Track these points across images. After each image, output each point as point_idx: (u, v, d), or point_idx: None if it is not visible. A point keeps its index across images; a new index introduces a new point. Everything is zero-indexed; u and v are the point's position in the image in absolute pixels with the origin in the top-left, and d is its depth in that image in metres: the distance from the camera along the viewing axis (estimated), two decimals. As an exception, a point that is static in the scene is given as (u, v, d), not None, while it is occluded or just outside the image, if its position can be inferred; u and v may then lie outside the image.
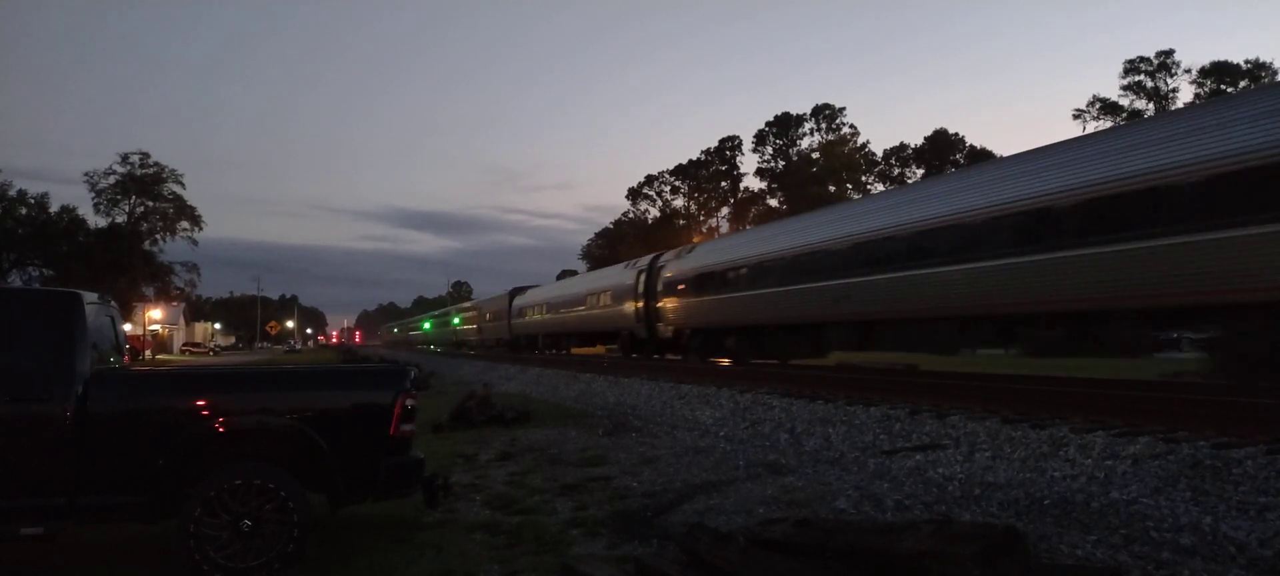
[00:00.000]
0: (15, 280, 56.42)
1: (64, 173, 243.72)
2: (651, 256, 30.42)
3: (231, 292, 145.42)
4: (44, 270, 60.42)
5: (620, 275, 32.38)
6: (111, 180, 64.97)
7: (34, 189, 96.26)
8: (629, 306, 30.00)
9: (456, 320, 70.20)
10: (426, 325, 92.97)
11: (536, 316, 43.56)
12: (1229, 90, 55.31)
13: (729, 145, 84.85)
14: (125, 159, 65.01)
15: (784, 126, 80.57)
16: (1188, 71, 63.35)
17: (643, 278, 29.04)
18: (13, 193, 60.48)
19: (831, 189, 72.37)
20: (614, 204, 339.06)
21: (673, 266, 27.22)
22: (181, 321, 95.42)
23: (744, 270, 22.15)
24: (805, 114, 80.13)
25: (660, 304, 27.78)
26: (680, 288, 26.08)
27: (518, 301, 47.74)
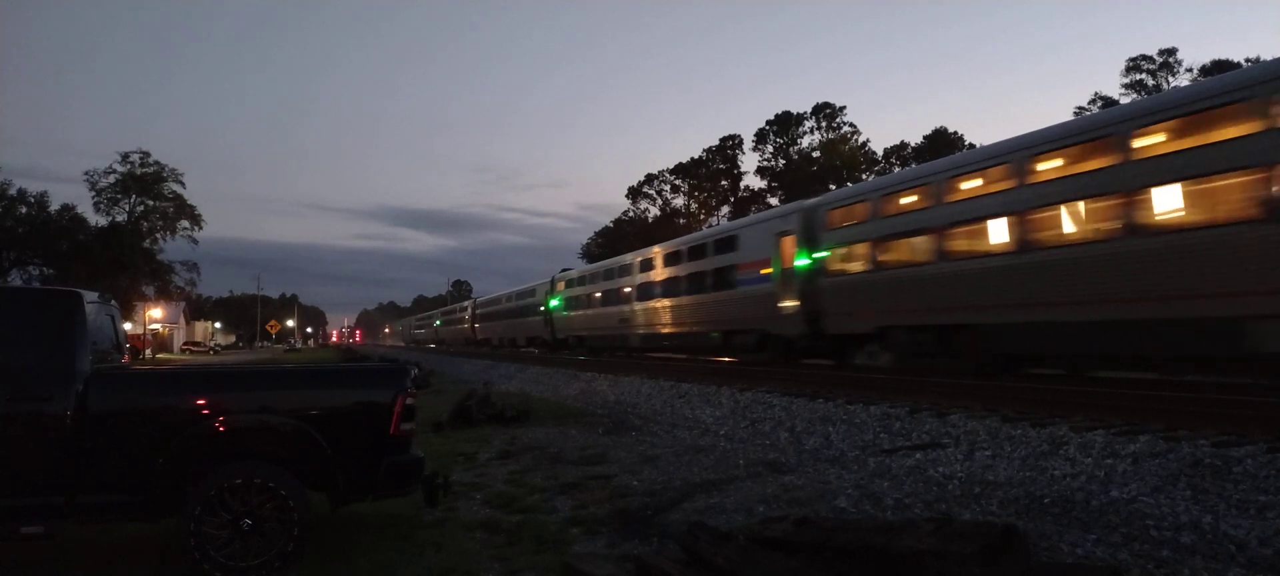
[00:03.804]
0: (15, 279, 56.43)
1: (65, 172, 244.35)
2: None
3: (231, 291, 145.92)
4: (44, 269, 60.37)
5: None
6: (111, 179, 64.81)
7: (34, 187, 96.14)
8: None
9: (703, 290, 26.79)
10: (554, 302, 45.67)
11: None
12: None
13: (730, 144, 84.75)
14: (125, 158, 64.89)
15: (785, 125, 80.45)
16: (1190, 70, 63.24)
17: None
18: (12, 191, 60.49)
19: (832, 187, 72.27)
20: (610, 203, 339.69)
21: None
22: (182, 320, 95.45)
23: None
24: (806, 112, 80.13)
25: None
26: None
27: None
